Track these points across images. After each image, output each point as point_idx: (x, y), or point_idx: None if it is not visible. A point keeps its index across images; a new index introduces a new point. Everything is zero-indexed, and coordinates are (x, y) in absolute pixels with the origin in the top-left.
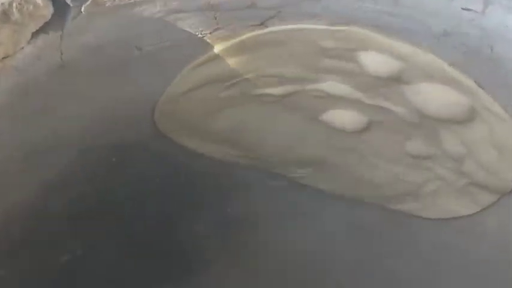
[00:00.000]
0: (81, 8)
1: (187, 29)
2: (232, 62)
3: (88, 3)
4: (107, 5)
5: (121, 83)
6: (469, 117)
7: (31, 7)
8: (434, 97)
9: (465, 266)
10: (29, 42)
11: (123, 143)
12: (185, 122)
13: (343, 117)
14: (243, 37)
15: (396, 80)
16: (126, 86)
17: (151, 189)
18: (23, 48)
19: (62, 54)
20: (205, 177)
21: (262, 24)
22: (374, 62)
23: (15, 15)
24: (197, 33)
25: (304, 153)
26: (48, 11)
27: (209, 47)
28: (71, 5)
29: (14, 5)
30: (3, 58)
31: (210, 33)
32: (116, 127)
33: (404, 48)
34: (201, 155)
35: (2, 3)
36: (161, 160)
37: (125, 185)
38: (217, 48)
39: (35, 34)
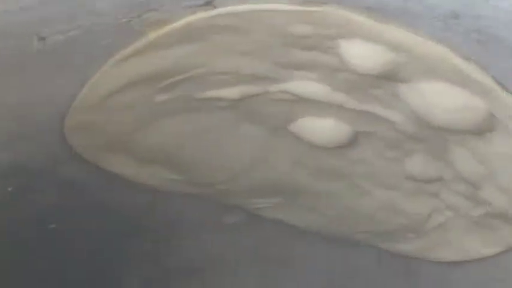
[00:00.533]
0: None
1: (107, 12)
2: (169, 55)
3: None
4: None
5: (17, 86)
6: (486, 126)
7: None
8: (440, 100)
9: None
10: None
11: (21, 167)
12: (106, 137)
13: (321, 128)
14: (184, 21)
15: (390, 77)
16: (24, 89)
17: (60, 229)
18: None
19: None
20: (135, 214)
21: (209, 3)
22: (360, 54)
23: None
24: (121, 17)
25: (269, 177)
26: None
27: (137, 35)
28: None
29: None
30: None
31: (139, 16)
32: (12, 145)
33: (400, 35)
34: (128, 181)
35: None
36: (73, 189)
37: (25, 223)
38: (149, 37)
39: None
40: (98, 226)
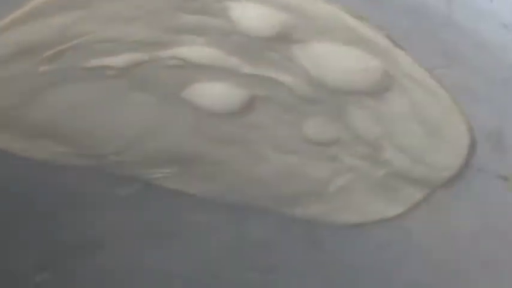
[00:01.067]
0: None
1: None
2: (51, 23)
3: None
4: None
5: None
6: (383, 86)
7: None
8: (334, 61)
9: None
10: None
11: None
12: None
13: (215, 93)
14: None
15: (283, 39)
16: None
17: None
18: None
19: None
20: (25, 190)
21: None
22: (250, 15)
23: None
24: None
25: (164, 146)
26: None
27: (14, 3)
28: None
29: None
30: None
31: None
32: None
33: None
34: (13, 156)
35: None
36: None
37: None
38: (28, 5)
39: None
40: None
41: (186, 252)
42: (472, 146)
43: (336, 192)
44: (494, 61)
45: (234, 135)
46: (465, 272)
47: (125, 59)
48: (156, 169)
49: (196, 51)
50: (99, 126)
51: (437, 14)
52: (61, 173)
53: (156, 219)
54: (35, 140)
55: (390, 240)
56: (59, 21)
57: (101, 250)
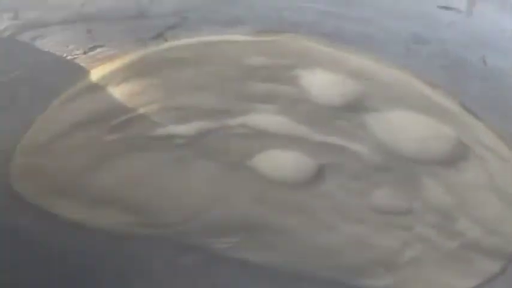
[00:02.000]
0: None
1: (50, 49)
2: (119, 92)
3: None
4: None
5: None
6: (456, 155)
7: None
8: (407, 129)
9: None
10: None
11: None
12: (54, 180)
13: (283, 162)
14: (135, 56)
15: (354, 107)
16: None
17: (8, 281)
18: None
19: None
20: (87, 261)
21: (160, 36)
22: (320, 84)
23: None
24: (65, 55)
25: (230, 214)
26: None
27: (84, 72)
28: None
29: None
30: None
31: (85, 53)
32: None
33: (361, 63)
34: (80, 226)
35: None
36: (20, 237)
37: None
38: (97, 74)
39: None
40: (48, 275)
41: None
42: None
43: (406, 263)
44: None
45: (300, 204)
46: None
47: (194, 127)
48: (221, 238)
49: (266, 119)
50: (164, 195)
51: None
52: (126, 242)
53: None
54: (101, 209)
55: None
56: (127, 89)
57: None
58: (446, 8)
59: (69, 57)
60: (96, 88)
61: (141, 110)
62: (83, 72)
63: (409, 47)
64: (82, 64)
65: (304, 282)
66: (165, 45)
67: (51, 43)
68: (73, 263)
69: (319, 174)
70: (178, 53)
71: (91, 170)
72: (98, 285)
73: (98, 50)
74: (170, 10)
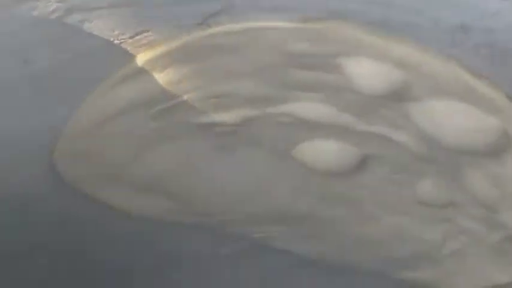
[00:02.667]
0: None
1: (97, 33)
2: (163, 78)
3: None
4: None
5: (5, 113)
6: (501, 146)
7: None
8: (451, 119)
9: None
10: None
11: (8, 198)
12: (98, 166)
13: (326, 152)
14: (179, 42)
15: (398, 97)
16: (10, 115)
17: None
18: None
19: None
20: (130, 247)
21: (204, 22)
22: (366, 73)
23: None
24: (112, 39)
25: (272, 204)
26: None
27: (130, 57)
28: None
29: None
30: None
31: (131, 37)
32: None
33: (407, 52)
34: (122, 212)
35: None
36: (65, 221)
37: (12, 258)
38: (142, 59)
39: None
40: (91, 259)
41: None
42: None
43: (449, 256)
44: None
45: (343, 194)
46: None
47: (237, 115)
48: (262, 228)
49: (309, 107)
50: (207, 183)
51: None
52: (167, 230)
53: (261, 279)
54: (145, 196)
55: None
56: (171, 76)
57: None
58: None
59: (115, 42)
60: (141, 73)
61: (184, 97)
62: (129, 57)
63: (455, 36)
64: (128, 49)
65: (347, 274)
66: (209, 31)
67: (98, 27)
68: (118, 249)
69: (362, 165)
70: (222, 39)
71: (134, 156)
72: (142, 272)
73: (144, 35)
74: None
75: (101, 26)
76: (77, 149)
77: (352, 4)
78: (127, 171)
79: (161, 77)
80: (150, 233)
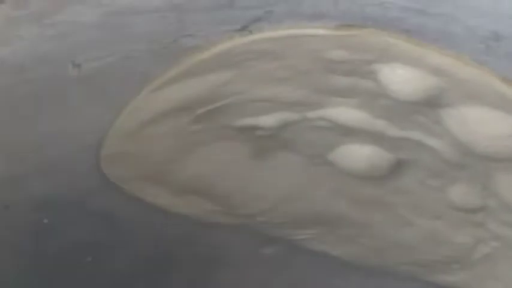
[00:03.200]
0: None
1: (142, 37)
2: (206, 82)
3: (3, 4)
4: (29, 8)
5: (52, 113)
6: None
7: None
8: (483, 126)
9: None
10: None
11: (57, 197)
12: (142, 166)
13: (362, 156)
14: (221, 47)
15: (432, 103)
16: (58, 117)
17: (98, 265)
18: None
19: None
20: (171, 246)
21: (245, 28)
22: (400, 79)
23: None
24: (156, 43)
25: (310, 207)
26: None
27: (173, 61)
28: None
29: None
30: None
31: (175, 41)
32: (46, 175)
33: (441, 59)
34: (165, 212)
35: None
36: (109, 220)
37: (60, 256)
38: (185, 63)
39: None
40: (134, 258)
41: None
42: None
43: (480, 260)
44: None
45: (378, 198)
46: None
47: (276, 118)
48: (301, 230)
49: (344, 112)
50: (247, 186)
51: None
52: (208, 231)
53: (299, 280)
54: (184, 196)
55: None
56: (212, 80)
57: None
58: None
59: (159, 46)
60: (184, 77)
61: (226, 101)
62: (172, 61)
63: (488, 44)
64: (171, 53)
65: (381, 277)
66: (250, 37)
67: (143, 31)
68: (159, 248)
69: (397, 169)
70: (263, 45)
71: (177, 158)
72: (181, 272)
73: (187, 39)
74: (256, 3)
75: (146, 30)
76: (122, 150)
77: (388, 12)
78: (170, 172)
79: (204, 81)
80: (192, 233)
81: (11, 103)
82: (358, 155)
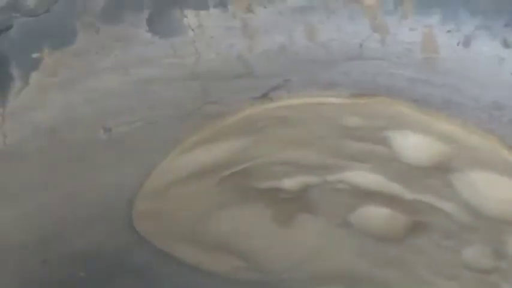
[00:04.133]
0: (28, 79)
1: (168, 104)
2: (228, 146)
3: (37, 71)
4: (61, 75)
5: (85, 175)
6: None
7: None
8: (491, 191)
9: None
10: None
11: (92, 252)
12: (171, 224)
13: (379, 218)
14: (243, 114)
15: (442, 168)
16: (92, 178)
17: None
18: None
19: (5, 137)
20: None
21: (265, 96)
22: (410, 145)
23: None
24: (181, 110)
25: (331, 266)
26: None
27: (198, 127)
28: (15, 74)
29: None
30: None
31: (199, 108)
32: (84, 232)
33: (448, 126)
34: (195, 268)
35: None
36: (143, 275)
37: None
38: (209, 129)
39: None
40: None
41: None
42: None
43: None
44: None
45: (397, 258)
46: None
47: (297, 181)
48: (323, 287)
49: (361, 176)
50: (271, 245)
51: None
52: (237, 285)
53: None
54: (216, 254)
55: None
56: (236, 144)
57: None
58: None
59: (184, 112)
60: (209, 142)
61: (248, 164)
62: (198, 126)
63: (491, 113)
64: (196, 119)
65: None
66: (271, 104)
67: (169, 98)
68: None
69: (413, 231)
70: (282, 112)
71: (203, 217)
72: None
73: (210, 106)
74: (273, 72)
75: (171, 97)
76: (152, 208)
77: (397, 82)
78: (197, 230)
79: (227, 145)
80: None
81: (45, 165)
82: (376, 216)
